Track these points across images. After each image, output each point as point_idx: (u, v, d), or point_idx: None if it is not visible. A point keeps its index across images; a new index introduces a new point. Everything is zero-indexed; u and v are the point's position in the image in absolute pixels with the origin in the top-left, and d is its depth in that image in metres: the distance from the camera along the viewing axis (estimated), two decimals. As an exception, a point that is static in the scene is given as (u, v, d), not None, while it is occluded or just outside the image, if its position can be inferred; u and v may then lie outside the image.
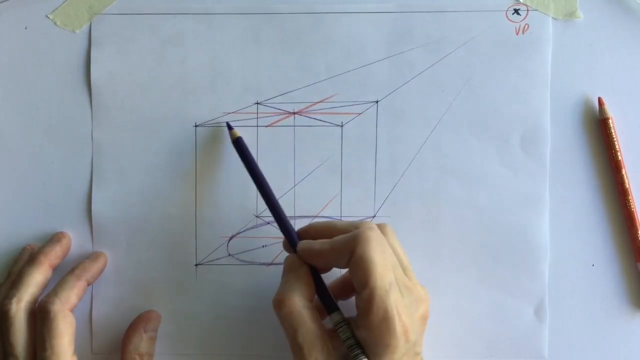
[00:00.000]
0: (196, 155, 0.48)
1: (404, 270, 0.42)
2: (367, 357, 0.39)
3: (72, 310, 0.44)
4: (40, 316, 0.43)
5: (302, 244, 0.43)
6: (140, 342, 0.45)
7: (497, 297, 0.48)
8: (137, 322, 0.46)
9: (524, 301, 0.48)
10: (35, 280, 0.45)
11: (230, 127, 0.47)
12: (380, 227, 0.43)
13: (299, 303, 0.41)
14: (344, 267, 0.41)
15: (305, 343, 0.40)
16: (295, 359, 0.41)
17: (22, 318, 0.43)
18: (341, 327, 0.41)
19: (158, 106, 0.48)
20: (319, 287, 0.42)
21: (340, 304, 0.43)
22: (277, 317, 0.41)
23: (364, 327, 0.39)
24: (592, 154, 0.48)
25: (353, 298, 0.41)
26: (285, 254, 0.44)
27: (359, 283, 0.39)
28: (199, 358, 0.49)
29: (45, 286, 0.45)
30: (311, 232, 0.44)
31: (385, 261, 0.39)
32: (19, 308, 0.43)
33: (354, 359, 0.39)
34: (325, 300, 0.42)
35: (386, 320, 0.38)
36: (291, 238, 0.44)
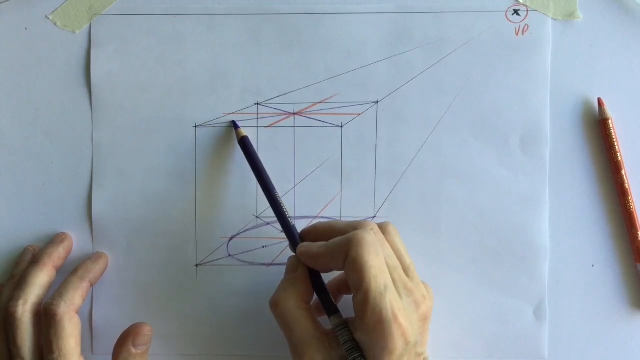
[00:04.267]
0: (196, 156, 0.48)
1: (406, 270, 0.42)
2: None
3: (77, 312, 0.44)
4: (46, 318, 0.43)
5: (301, 247, 0.43)
6: (128, 358, 0.44)
7: (497, 297, 0.48)
8: (125, 336, 0.45)
9: (523, 301, 0.48)
10: (39, 282, 0.45)
11: (236, 126, 0.48)
12: (382, 226, 0.43)
13: (293, 304, 0.41)
14: (340, 270, 0.41)
15: (300, 342, 0.40)
16: (293, 359, 0.41)
17: (28, 320, 0.43)
18: (340, 329, 0.41)
19: (158, 107, 0.48)
20: (319, 289, 0.43)
21: (345, 302, 0.43)
22: (274, 317, 0.42)
23: (361, 329, 0.39)
24: (591, 155, 0.48)
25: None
26: (289, 254, 0.44)
27: (354, 285, 0.39)
28: (199, 358, 0.49)
29: (49, 287, 0.46)
30: (312, 233, 0.44)
31: (379, 263, 0.39)
32: (25, 310, 0.43)
33: None
34: (324, 303, 0.42)
35: (381, 323, 0.38)
36: (293, 239, 0.44)
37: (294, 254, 0.44)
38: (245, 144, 0.47)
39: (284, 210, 0.45)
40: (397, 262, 0.41)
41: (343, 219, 0.48)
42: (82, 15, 0.48)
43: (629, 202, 0.48)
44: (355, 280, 0.39)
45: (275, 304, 0.41)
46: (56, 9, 0.48)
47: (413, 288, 0.41)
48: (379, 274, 0.39)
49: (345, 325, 0.41)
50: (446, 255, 0.48)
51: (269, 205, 0.45)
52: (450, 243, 0.48)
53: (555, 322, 0.48)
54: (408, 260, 0.43)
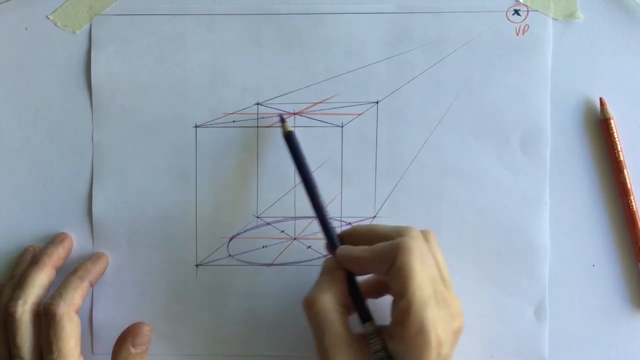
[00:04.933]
0: (196, 156, 0.48)
1: (443, 281, 0.41)
2: None
3: (76, 312, 0.44)
4: (46, 319, 0.43)
5: (342, 249, 0.42)
6: (128, 358, 0.44)
7: (497, 297, 0.48)
8: (124, 336, 0.45)
9: (524, 301, 0.48)
10: (39, 282, 0.45)
11: (283, 121, 0.47)
12: (424, 234, 0.42)
13: (329, 305, 0.40)
14: (383, 276, 0.40)
15: (331, 345, 0.39)
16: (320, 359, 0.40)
17: (28, 320, 0.43)
18: (373, 338, 0.40)
19: (158, 107, 0.48)
20: (355, 293, 0.42)
21: (371, 304, 0.43)
22: (306, 316, 0.41)
23: (397, 337, 0.39)
24: (592, 155, 0.48)
25: (382, 300, 0.41)
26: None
27: (398, 293, 0.39)
28: (199, 358, 0.49)
29: (49, 288, 0.46)
30: (352, 236, 0.43)
31: (425, 273, 0.39)
32: (25, 310, 0.43)
33: None
34: (359, 309, 0.42)
35: (421, 333, 0.37)
36: (332, 241, 0.43)
37: (331, 256, 0.43)
38: (291, 140, 0.46)
39: (325, 211, 0.44)
40: (437, 273, 0.40)
41: (343, 220, 0.48)
42: (83, 15, 0.48)
43: (630, 202, 0.48)
44: (400, 287, 0.38)
45: (311, 304, 0.40)
46: (56, 9, 0.48)
47: (450, 301, 0.40)
48: (424, 284, 0.38)
49: (379, 333, 0.40)
50: (446, 255, 0.48)
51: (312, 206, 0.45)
52: (450, 243, 0.48)
53: (556, 322, 0.48)
54: (445, 272, 0.42)
